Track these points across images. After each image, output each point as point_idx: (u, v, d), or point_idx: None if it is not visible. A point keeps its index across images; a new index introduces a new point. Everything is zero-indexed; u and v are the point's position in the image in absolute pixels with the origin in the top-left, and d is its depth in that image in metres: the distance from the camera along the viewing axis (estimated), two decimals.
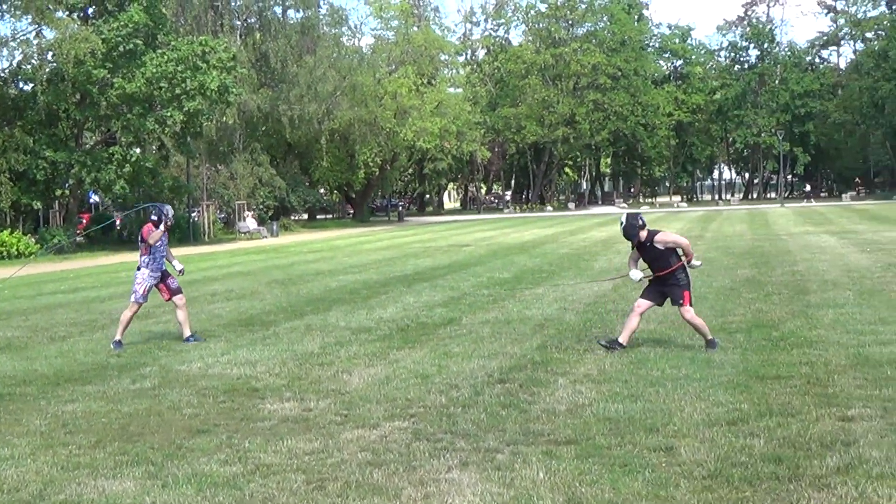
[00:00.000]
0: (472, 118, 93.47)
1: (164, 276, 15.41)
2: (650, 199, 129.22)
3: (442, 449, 8.31)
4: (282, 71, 69.18)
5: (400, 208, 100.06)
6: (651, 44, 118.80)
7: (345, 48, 79.35)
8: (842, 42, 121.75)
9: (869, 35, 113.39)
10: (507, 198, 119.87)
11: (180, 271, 15.89)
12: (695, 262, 13.01)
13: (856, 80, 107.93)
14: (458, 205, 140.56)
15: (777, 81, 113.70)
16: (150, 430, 9.44)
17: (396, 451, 8.30)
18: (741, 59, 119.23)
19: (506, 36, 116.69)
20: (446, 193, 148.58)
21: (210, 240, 58.90)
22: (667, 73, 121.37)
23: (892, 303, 16.11)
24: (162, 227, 15.09)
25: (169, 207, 15.76)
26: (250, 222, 62.28)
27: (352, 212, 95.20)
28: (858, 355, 11.58)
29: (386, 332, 15.40)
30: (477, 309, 17.96)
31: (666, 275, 12.71)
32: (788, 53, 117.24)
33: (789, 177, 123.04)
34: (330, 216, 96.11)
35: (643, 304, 12.91)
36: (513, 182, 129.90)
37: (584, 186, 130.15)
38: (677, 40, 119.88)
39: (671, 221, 57.36)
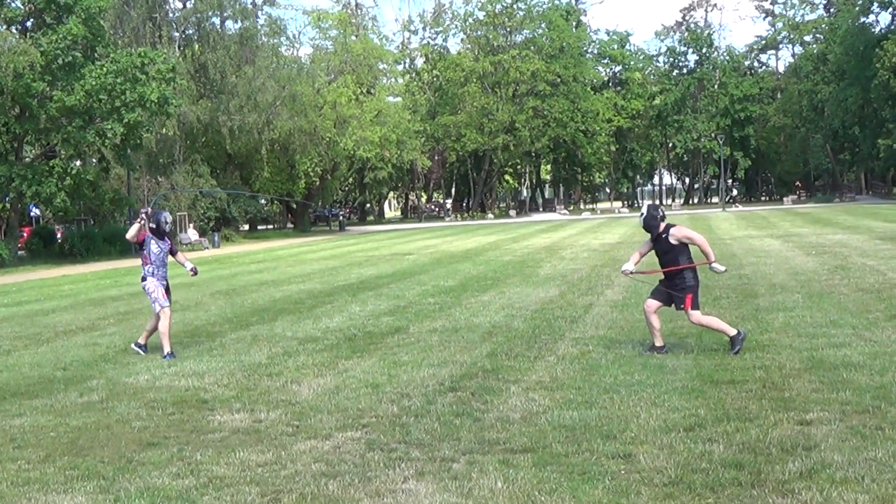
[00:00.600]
0: (412, 127, 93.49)
1: (167, 287, 15.24)
2: (591, 206, 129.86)
3: (397, 459, 8.18)
4: (221, 82, 68.72)
5: (341, 218, 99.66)
6: (590, 50, 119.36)
7: (284, 58, 79.10)
8: (780, 46, 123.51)
9: (807, 38, 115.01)
10: (448, 206, 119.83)
11: (193, 270, 15.78)
12: (717, 266, 12.80)
13: (795, 84, 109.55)
14: (398, 213, 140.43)
15: (716, 86, 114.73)
16: (99, 444, 9.26)
17: (351, 462, 8.17)
18: (680, 64, 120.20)
19: (444, 44, 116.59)
20: (387, 202, 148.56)
21: None
22: (606, 79, 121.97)
23: (842, 305, 16.16)
24: (136, 227, 14.86)
25: (167, 214, 15.50)
26: (192, 233, 61.73)
27: (292, 222, 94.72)
28: (812, 358, 11.56)
29: (333, 342, 15.23)
30: (424, 317, 17.83)
31: (673, 273, 12.64)
32: (727, 58, 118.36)
33: (730, 181, 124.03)
34: (271, 226, 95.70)
35: (652, 304, 12.82)
36: (453, 190, 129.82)
37: (525, 194, 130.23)
38: (616, 46, 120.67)
39: (614, 227, 57.68)
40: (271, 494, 7.42)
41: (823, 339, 12.88)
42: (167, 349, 14.65)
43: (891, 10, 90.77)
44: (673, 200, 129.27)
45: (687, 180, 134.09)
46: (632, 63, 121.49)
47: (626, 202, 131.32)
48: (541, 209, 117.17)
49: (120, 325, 19.18)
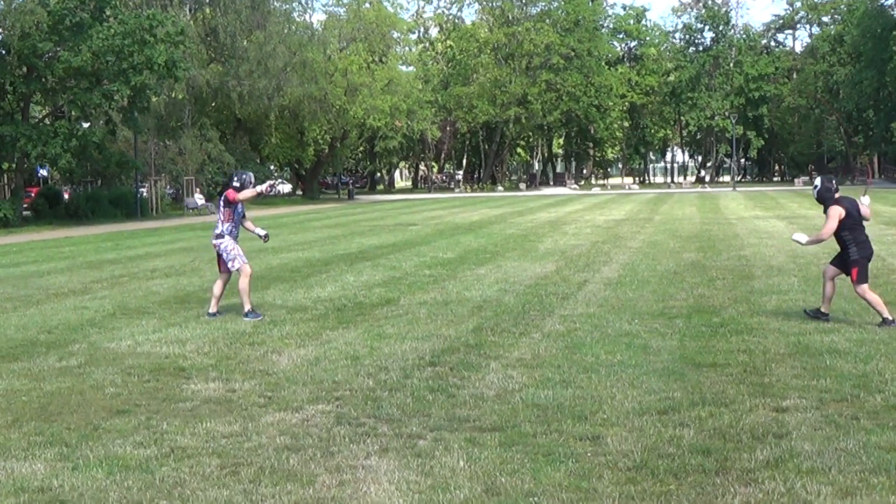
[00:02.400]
0: (424, 97, 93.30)
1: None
2: (602, 181, 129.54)
3: (363, 434, 8.08)
4: (231, 46, 68.44)
5: (350, 186, 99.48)
6: (605, 24, 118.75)
7: (295, 24, 78.60)
8: (798, 26, 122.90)
9: (825, 19, 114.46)
10: (459, 177, 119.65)
11: (265, 236, 15.77)
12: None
13: (811, 65, 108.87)
14: (409, 184, 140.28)
15: (731, 64, 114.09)
16: (69, 410, 9.17)
17: (316, 436, 8.07)
18: (696, 41, 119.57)
19: (459, 14, 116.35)
20: (397, 172, 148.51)
21: (157, 215, 58.28)
22: (620, 54, 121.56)
23: (837, 290, 15.99)
24: (253, 193, 14.77)
25: (251, 174, 15.38)
26: (198, 198, 61.64)
27: (301, 189, 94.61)
28: (798, 343, 11.43)
29: (321, 312, 15.13)
30: (416, 289, 17.73)
31: (843, 245, 12.96)
32: (744, 36, 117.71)
33: (742, 160, 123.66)
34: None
35: (830, 269, 13.21)
36: (464, 162, 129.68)
37: (536, 167, 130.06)
38: (632, 21, 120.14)
39: (622, 203, 57.52)
40: (230, 467, 7.31)
41: (813, 324, 12.74)
42: (248, 307, 14.67)
43: None
44: (684, 178, 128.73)
45: (699, 158, 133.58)
46: (647, 39, 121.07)
47: (637, 178, 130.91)
48: (551, 183, 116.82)
49: (112, 289, 19.08)
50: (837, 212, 12.71)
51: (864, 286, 12.75)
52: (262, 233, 15.73)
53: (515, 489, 6.67)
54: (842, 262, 13.02)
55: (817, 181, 13.15)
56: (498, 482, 6.79)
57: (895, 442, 7.51)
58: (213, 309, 15.00)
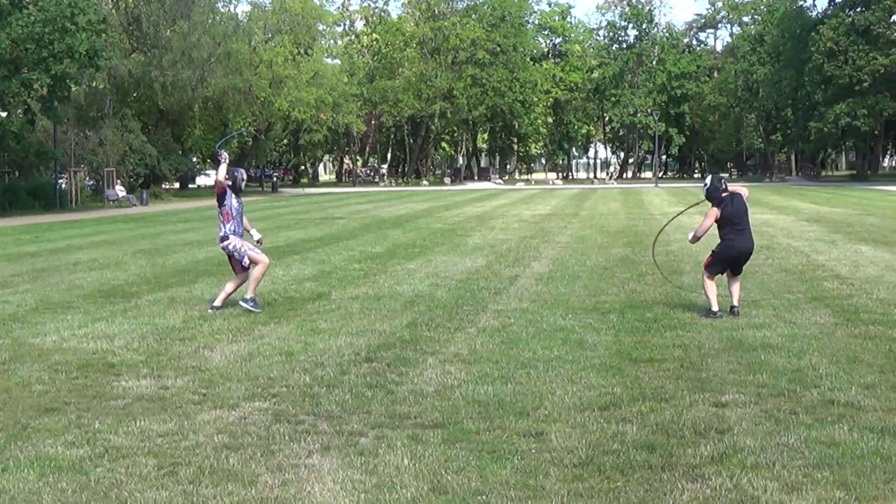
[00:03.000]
0: (349, 90, 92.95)
1: None
2: (526, 176, 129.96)
3: (303, 432, 7.92)
4: (154, 36, 67.74)
5: (274, 179, 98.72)
6: (531, 20, 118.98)
7: (220, 14, 78.05)
8: (719, 25, 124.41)
9: (746, 19, 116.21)
10: (383, 171, 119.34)
11: (259, 240, 15.45)
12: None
13: (731, 64, 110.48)
14: (333, 177, 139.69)
15: (654, 62, 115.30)
16: None
17: (255, 434, 7.90)
18: (620, 38, 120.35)
19: (385, 7, 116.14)
20: (322, 166, 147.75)
21: (77, 207, 57.29)
22: (546, 50, 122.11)
23: (765, 285, 16.15)
24: (224, 167, 14.55)
25: (242, 171, 15.17)
26: (119, 190, 60.79)
27: None
28: (732, 338, 11.46)
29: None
30: (347, 284, 17.57)
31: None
32: (666, 35, 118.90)
33: (664, 157, 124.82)
34: (203, 185, 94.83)
35: None
36: (389, 155, 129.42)
37: (461, 162, 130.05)
38: (557, 18, 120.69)
39: (547, 198, 57.69)
40: (168, 467, 7.13)
41: (744, 319, 12.81)
42: (251, 294, 14.45)
43: None
44: (607, 174, 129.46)
45: (622, 154, 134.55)
46: (572, 35, 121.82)
47: (560, 174, 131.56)
48: (476, 178, 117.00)
49: (34, 283, 18.65)
50: (714, 213, 13.39)
51: (706, 275, 13.55)
52: (258, 236, 15.57)
53: (462, 487, 6.57)
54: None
55: (707, 180, 13.82)
56: (444, 480, 6.69)
57: (835, 437, 7.54)
58: (218, 303, 14.71)
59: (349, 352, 11.11)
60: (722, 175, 14.69)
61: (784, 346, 10.99)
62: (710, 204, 13.50)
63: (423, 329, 12.55)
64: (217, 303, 14.68)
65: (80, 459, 7.32)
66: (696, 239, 13.91)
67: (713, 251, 13.60)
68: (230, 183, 14.62)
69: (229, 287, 14.87)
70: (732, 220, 13.36)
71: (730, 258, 13.49)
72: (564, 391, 9.06)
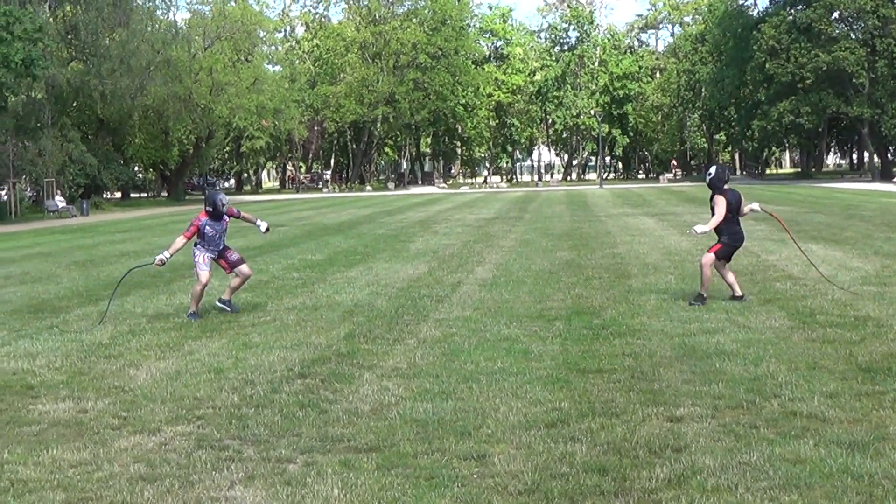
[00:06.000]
0: (291, 96, 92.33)
1: (222, 253, 14.87)
2: (470, 180, 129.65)
3: (227, 459, 7.33)
4: (93, 44, 66.65)
5: (217, 187, 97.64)
6: (472, 24, 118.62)
7: (159, 21, 77.27)
8: (661, 26, 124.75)
9: (687, 19, 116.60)
10: (327, 177, 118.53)
11: (266, 230, 15.72)
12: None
13: (674, 64, 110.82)
14: (276, 184, 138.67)
15: (596, 63, 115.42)
16: None
17: (175, 463, 7.30)
18: (561, 40, 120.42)
19: (325, 13, 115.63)
20: (265, 173, 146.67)
21: (16, 219, 56.29)
22: (487, 53, 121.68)
23: (716, 287, 15.65)
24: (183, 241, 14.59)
25: (222, 196, 14.92)
26: (59, 201, 59.76)
27: (167, 191, 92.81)
28: (684, 346, 10.93)
29: (184, 320, 14.25)
30: (284, 294, 16.97)
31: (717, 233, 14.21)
32: (608, 36, 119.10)
33: (608, 158, 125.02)
34: (145, 195, 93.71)
35: (711, 260, 14.26)
36: (332, 161, 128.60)
37: (405, 166, 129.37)
38: (498, 21, 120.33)
39: (491, 202, 57.24)
40: (78, 502, 6.53)
41: (696, 324, 12.29)
42: (193, 308, 14.57)
43: None
44: (551, 176, 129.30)
45: (566, 157, 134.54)
46: (513, 38, 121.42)
47: (505, 177, 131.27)
48: (420, 182, 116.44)
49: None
50: (724, 201, 13.90)
51: (710, 257, 14.07)
52: (264, 225, 15.64)
53: None
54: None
55: (712, 169, 14.42)
56: None
57: (800, 453, 7.03)
58: (226, 296, 15.05)
59: (282, 367, 10.52)
60: (726, 165, 14.91)
61: (739, 352, 10.48)
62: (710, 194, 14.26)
63: (361, 341, 11.96)
64: (225, 296, 15.13)
65: None
66: (713, 227, 14.08)
67: (721, 240, 14.08)
68: (210, 209, 14.56)
69: (233, 283, 15.09)
70: (732, 209, 14.02)
71: (736, 247, 14.38)
72: (508, 407, 8.50)
